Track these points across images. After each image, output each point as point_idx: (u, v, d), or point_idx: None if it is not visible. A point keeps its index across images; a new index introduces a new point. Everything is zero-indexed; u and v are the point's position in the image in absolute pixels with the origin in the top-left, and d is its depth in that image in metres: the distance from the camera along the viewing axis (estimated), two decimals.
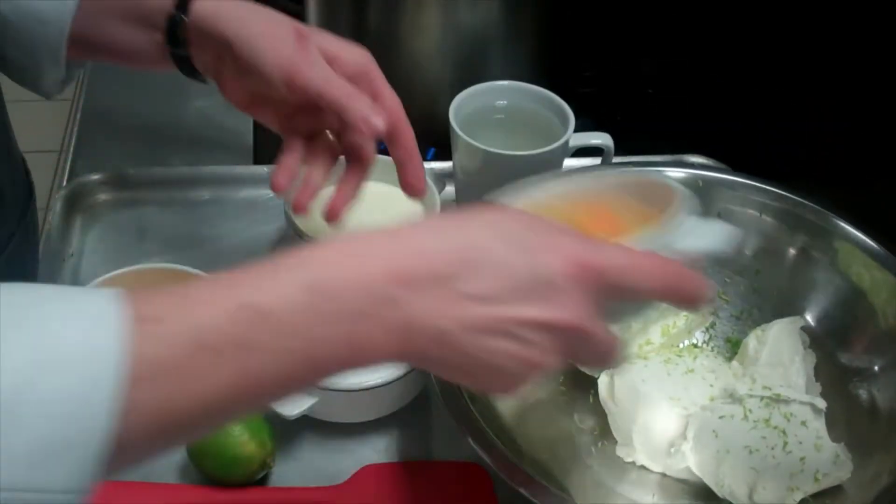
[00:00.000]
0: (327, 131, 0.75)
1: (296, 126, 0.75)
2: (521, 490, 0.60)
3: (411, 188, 0.75)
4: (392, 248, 0.47)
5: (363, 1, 0.98)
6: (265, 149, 1.02)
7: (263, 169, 0.98)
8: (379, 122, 0.69)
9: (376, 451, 0.75)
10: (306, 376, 0.46)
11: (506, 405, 0.73)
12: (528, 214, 0.52)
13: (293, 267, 0.45)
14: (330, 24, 1.03)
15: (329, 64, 0.71)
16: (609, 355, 0.51)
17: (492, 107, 0.91)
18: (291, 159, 0.75)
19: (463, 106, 0.89)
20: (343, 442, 0.76)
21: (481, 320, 0.47)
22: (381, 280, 0.45)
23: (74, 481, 0.38)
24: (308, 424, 0.76)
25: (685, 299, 0.52)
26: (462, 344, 0.47)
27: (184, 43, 0.73)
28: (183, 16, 0.72)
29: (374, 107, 0.70)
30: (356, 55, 0.73)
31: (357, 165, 0.75)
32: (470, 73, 0.96)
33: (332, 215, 0.74)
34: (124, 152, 0.99)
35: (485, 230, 0.48)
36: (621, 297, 0.51)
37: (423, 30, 0.98)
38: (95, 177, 0.96)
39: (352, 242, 0.47)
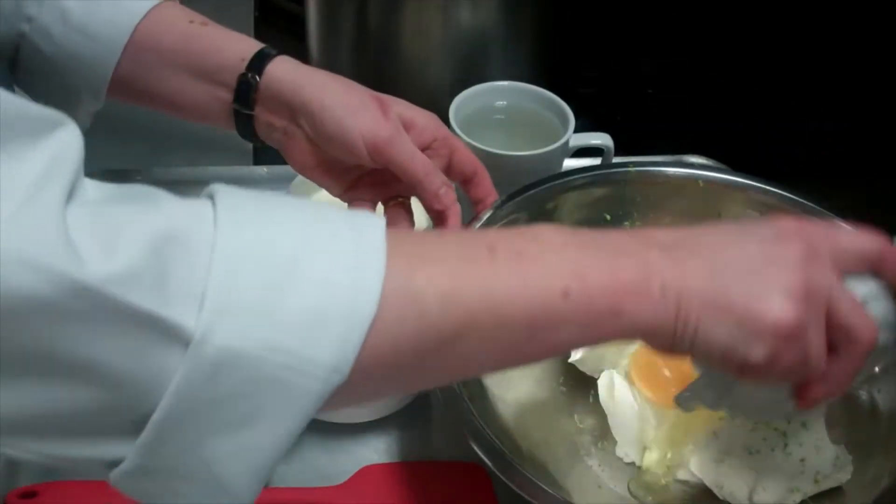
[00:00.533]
0: (400, 198, 0.76)
1: (359, 193, 0.75)
2: (521, 491, 0.60)
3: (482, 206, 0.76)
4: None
5: (363, 1, 0.98)
6: (265, 150, 1.02)
7: (264, 169, 0.98)
8: (451, 197, 0.72)
9: (376, 451, 0.75)
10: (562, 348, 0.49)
11: (506, 405, 0.73)
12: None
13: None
14: (330, 24, 1.03)
15: (406, 131, 0.72)
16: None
17: (492, 107, 0.91)
18: None
19: (463, 106, 0.89)
20: (343, 442, 0.76)
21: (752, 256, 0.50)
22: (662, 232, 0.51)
23: (336, 358, 0.41)
24: (308, 424, 0.75)
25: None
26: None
27: (251, 104, 0.72)
28: (257, 77, 0.71)
29: (446, 181, 0.72)
30: (429, 121, 0.74)
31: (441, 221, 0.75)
32: (469, 73, 0.96)
33: None
34: (124, 152, 0.99)
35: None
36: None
37: (423, 30, 0.98)
38: (97, 177, 0.96)
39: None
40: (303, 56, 1.07)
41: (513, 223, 0.78)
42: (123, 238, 0.39)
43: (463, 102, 0.89)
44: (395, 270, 0.43)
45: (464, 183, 0.75)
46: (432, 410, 0.78)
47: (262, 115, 0.73)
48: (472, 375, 0.50)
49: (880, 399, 0.74)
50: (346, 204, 0.75)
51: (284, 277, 0.41)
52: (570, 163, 0.91)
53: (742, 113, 1.08)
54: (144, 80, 0.75)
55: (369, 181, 0.74)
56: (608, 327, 0.47)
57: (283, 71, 0.71)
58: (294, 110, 0.71)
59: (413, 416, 0.77)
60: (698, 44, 1.13)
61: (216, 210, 0.42)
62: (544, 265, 0.47)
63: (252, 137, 0.75)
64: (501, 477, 0.61)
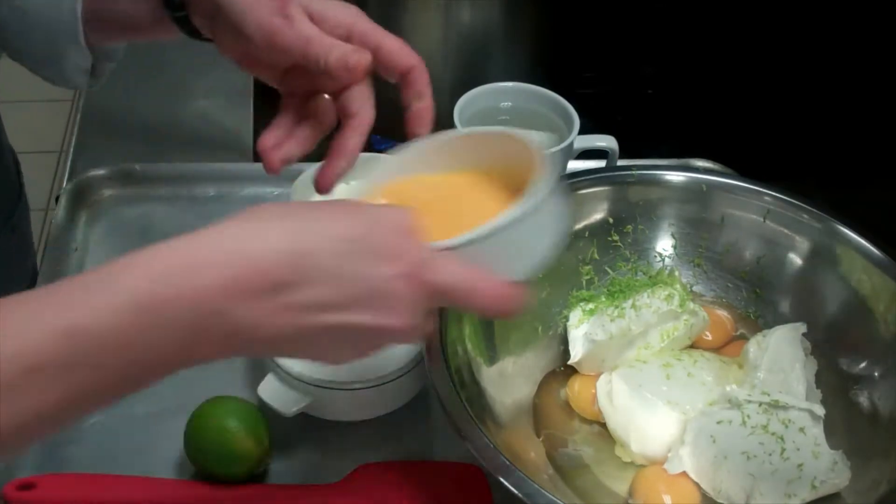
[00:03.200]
0: (325, 95, 0.71)
1: (292, 85, 0.72)
2: (517, 491, 0.60)
3: (413, 130, 0.69)
4: (223, 255, 0.47)
5: (363, 1, 0.98)
6: None
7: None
8: (362, 58, 0.65)
9: (373, 449, 0.75)
10: (136, 384, 0.48)
11: (503, 406, 0.73)
12: (367, 210, 0.53)
13: (121, 281, 0.46)
14: None
15: (315, 24, 0.68)
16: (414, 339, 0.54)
17: (496, 108, 0.91)
18: (283, 120, 0.71)
19: (467, 107, 0.89)
20: (340, 440, 0.76)
21: (308, 328, 0.49)
22: (213, 294, 0.46)
23: None
24: (306, 422, 0.76)
25: (499, 316, 0.58)
26: (290, 346, 0.51)
27: (180, 6, 0.71)
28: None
29: (356, 48, 0.66)
30: (345, 12, 0.69)
31: (351, 127, 0.69)
32: (470, 73, 0.96)
33: (321, 186, 0.68)
34: (124, 152, 1.00)
35: (320, 233, 0.49)
36: (447, 304, 0.56)
37: (423, 31, 0.98)
38: (100, 172, 0.97)
39: (181, 249, 0.47)
40: None
41: None
42: None
43: (467, 103, 0.89)
44: None
45: (399, 83, 0.69)
46: (431, 410, 0.78)
47: (194, 18, 0.72)
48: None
49: (881, 405, 0.74)
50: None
51: None
52: (574, 165, 0.91)
53: (742, 113, 1.07)
54: (99, 10, 0.75)
55: (300, 69, 0.70)
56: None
57: None
58: (210, 6, 0.69)
59: (411, 416, 0.77)
60: (698, 44, 1.13)
61: None
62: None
63: (199, 37, 0.74)
64: (498, 477, 0.61)
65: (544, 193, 0.56)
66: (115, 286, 0.45)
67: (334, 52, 0.65)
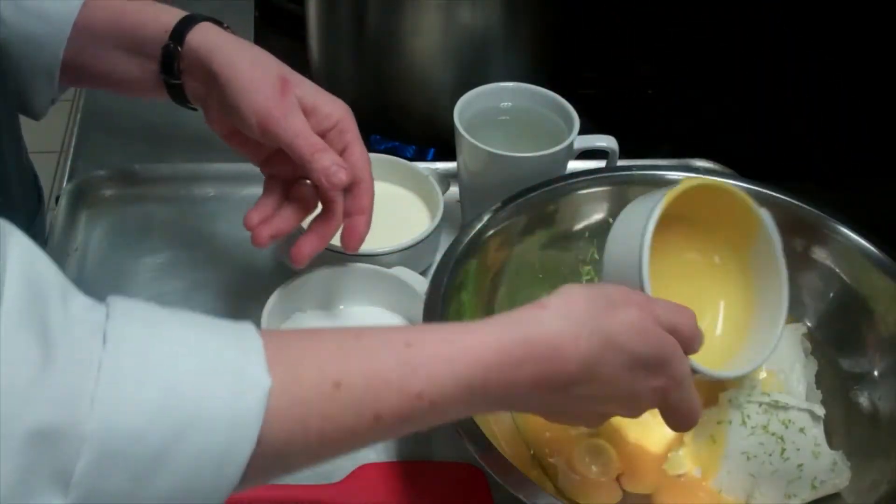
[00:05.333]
0: (307, 181, 0.76)
1: (274, 168, 0.77)
2: (516, 492, 0.60)
3: (347, 243, 0.75)
4: (541, 357, 0.54)
5: (363, 1, 0.98)
6: None
7: None
8: (341, 176, 0.71)
9: (374, 450, 0.75)
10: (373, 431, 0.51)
11: None
12: (657, 326, 0.58)
13: (461, 362, 0.52)
14: (330, 24, 1.03)
15: (306, 115, 0.72)
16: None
17: (496, 108, 0.91)
18: (268, 200, 0.76)
19: (467, 107, 0.89)
20: None
21: (577, 409, 0.59)
22: (529, 386, 0.54)
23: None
24: None
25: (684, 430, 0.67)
26: (550, 416, 0.61)
27: (177, 73, 0.75)
28: (178, 47, 0.74)
29: (339, 162, 0.72)
30: (334, 107, 0.74)
31: (328, 216, 0.75)
32: (470, 73, 0.96)
33: (296, 258, 0.74)
34: (125, 152, 1.00)
35: (616, 347, 0.56)
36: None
37: (423, 30, 0.98)
38: (101, 172, 0.97)
39: (511, 344, 0.53)
40: (303, 56, 1.08)
41: (512, 226, 0.78)
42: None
43: (468, 103, 0.89)
44: (279, 391, 0.46)
45: (347, 189, 0.74)
46: None
47: (188, 83, 0.75)
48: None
49: (881, 405, 0.74)
50: None
51: (152, 466, 0.42)
52: (574, 165, 0.91)
53: (742, 113, 1.07)
54: (83, 60, 0.77)
55: (284, 155, 0.74)
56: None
57: (200, 39, 0.73)
58: (208, 77, 0.73)
59: None
60: (698, 44, 1.13)
61: (100, 368, 0.43)
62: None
63: (185, 104, 0.78)
64: (497, 478, 0.61)
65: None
66: (451, 368, 0.51)
67: (320, 160, 0.71)
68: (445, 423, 0.54)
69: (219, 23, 0.76)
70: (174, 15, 0.75)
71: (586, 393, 0.56)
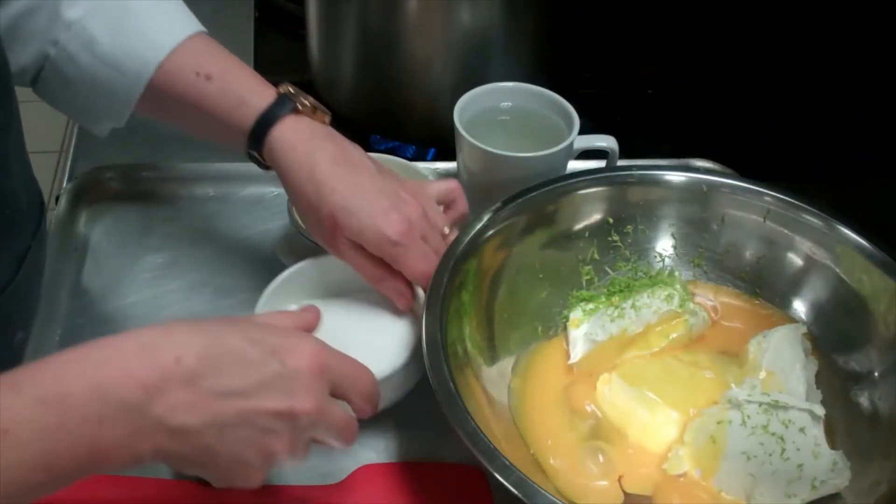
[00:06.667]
0: None
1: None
2: (517, 492, 0.60)
3: (399, 302, 0.77)
4: (134, 350, 0.51)
5: (363, 1, 0.98)
6: None
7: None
8: (402, 304, 0.76)
9: (374, 450, 0.75)
10: (45, 483, 0.48)
11: (503, 406, 0.73)
12: (257, 320, 0.59)
13: (28, 381, 0.48)
14: (330, 24, 1.03)
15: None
16: (348, 431, 0.61)
17: (496, 108, 0.91)
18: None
19: (467, 107, 0.89)
20: None
21: (227, 414, 0.53)
22: (121, 388, 0.49)
23: None
24: None
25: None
26: (206, 437, 0.52)
27: (263, 165, 0.77)
28: (261, 157, 0.75)
29: (405, 292, 0.75)
30: (380, 237, 0.72)
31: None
32: (470, 73, 0.96)
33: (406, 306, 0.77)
34: (124, 152, 1.00)
35: (230, 332, 0.54)
36: (338, 387, 0.61)
37: (423, 30, 0.98)
38: (102, 172, 0.97)
39: (93, 351, 0.50)
40: (303, 56, 1.07)
41: (512, 226, 0.78)
42: None
43: (468, 103, 0.89)
44: None
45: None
46: (430, 411, 0.78)
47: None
48: None
49: (881, 405, 0.74)
50: None
51: None
52: (574, 165, 0.91)
53: (742, 113, 1.07)
54: (163, 112, 0.78)
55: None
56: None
57: (275, 146, 0.73)
58: (312, 197, 0.73)
59: (411, 417, 0.77)
60: (698, 44, 1.13)
61: None
62: None
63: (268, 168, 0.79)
64: (498, 478, 0.61)
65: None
66: (17, 389, 0.47)
67: (382, 289, 0.75)
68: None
69: (305, 106, 0.75)
70: (253, 109, 0.74)
71: (221, 386, 0.53)
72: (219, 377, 0.53)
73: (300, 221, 0.80)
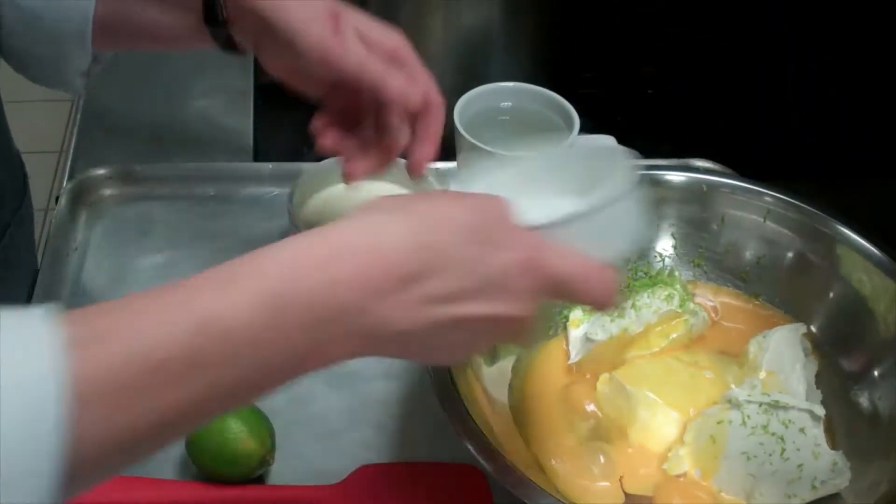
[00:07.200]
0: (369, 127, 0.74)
1: (338, 99, 0.74)
2: (516, 492, 0.60)
3: (414, 167, 0.72)
4: (352, 250, 0.47)
5: (363, 1, 0.98)
6: (265, 148, 1.03)
7: (268, 166, 0.98)
8: (415, 98, 0.69)
9: (374, 450, 0.75)
10: (262, 385, 0.46)
11: (503, 406, 0.73)
12: (476, 200, 0.53)
13: (251, 277, 0.45)
14: None
15: (363, 44, 0.70)
16: (528, 333, 0.55)
17: (496, 108, 0.91)
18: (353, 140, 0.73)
19: (467, 107, 0.89)
20: (340, 441, 0.76)
21: (440, 320, 0.49)
22: (345, 289, 0.46)
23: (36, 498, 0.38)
24: (305, 422, 0.76)
25: (604, 306, 0.57)
26: (420, 341, 0.50)
27: (222, 22, 0.72)
28: (223, 18, 0.71)
29: (410, 83, 0.70)
30: (390, 37, 0.72)
31: (389, 141, 0.72)
32: (470, 73, 0.96)
33: (350, 175, 0.73)
34: (124, 152, 1.00)
35: (441, 225, 0.50)
36: (558, 297, 0.55)
37: (423, 31, 0.98)
38: (101, 172, 0.97)
39: (313, 247, 0.47)
40: None
41: None
42: None
43: (468, 103, 0.89)
44: (79, 371, 0.39)
45: (415, 115, 0.71)
46: (430, 410, 0.78)
47: (236, 31, 0.73)
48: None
49: (881, 405, 0.74)
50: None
51: None
52: None
53: (742, 113, 1.08)
54: (119, 19, 0.75)
55: (343, 91, 0.72)
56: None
57: None
58: (257, 23, 0.70)
59: (411, 417, 0.78)
60: (698, 44, 1.13)
61: None
62: None
63: (233, 51, 0.75)
64: (497, 479, 0.61)
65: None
66: (246, 283, 0.44)
67: (393, 83, 0.68)
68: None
69: None
70: None
71: (438, 291, 0.49)
72: (436, 281, 0.49)
73: (298, 215, 0.79)
